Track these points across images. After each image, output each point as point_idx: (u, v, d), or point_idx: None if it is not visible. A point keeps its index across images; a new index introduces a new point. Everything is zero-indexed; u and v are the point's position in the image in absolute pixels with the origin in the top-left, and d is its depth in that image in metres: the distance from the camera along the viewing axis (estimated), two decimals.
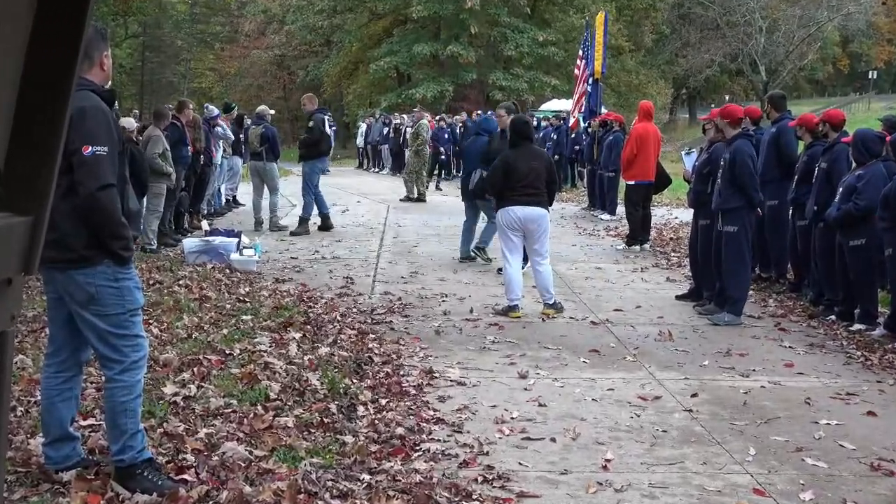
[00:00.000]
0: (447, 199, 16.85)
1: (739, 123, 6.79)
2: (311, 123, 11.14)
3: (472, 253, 9.22)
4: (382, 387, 4.72)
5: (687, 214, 11.65)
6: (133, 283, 3.24)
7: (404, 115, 20.44)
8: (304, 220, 11.21)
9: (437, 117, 21.48)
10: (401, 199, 15.66)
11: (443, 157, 19.91)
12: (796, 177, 7.47)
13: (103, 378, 3.39)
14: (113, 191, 3.15)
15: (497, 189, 6.94)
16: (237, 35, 44.82)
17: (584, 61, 15.99)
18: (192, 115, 10.63)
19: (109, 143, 3.15)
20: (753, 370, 5.39)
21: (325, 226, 11.37)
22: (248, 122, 15.27)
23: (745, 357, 5.72)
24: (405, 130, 19.92)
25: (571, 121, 16.90)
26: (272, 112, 12.41)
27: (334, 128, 26.86)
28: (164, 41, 43.67)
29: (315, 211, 11.33)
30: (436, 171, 19.90)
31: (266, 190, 11.57)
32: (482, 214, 9.12)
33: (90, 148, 3.10)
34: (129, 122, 9.03)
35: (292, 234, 10.98)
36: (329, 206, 15.15)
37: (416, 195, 15.77)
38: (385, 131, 23.73)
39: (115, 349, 3.22)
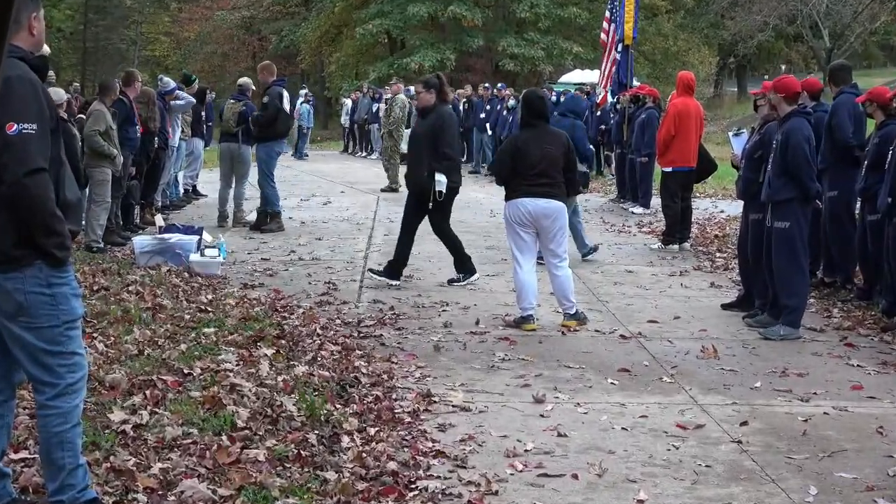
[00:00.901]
0: None
1: (796, 99, 6.78)
2: (265, 98, 11.19)
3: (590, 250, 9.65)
4: (371, 413, 4.73)
5: (735, 207, 11.67)
6: (70, 290, 3.23)
7: (409, 88, 20.39)
8: (274, 215, 11.21)
9: None
10: (382, 190, 15.76)
11: None
12: (865, 162, 7.47)
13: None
14: (44, 176, 3.13)
15: (503, 177, 6.94)
16: None
17: (612, 24, 16.00)
18: (140, 88, 10.64)
19: (39, 120, 3.13)
20: (815, 394, 5.39)
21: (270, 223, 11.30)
22: (211, 96, 15.30)
23: (804, 378, 5.72)
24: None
25: (600, 95, 16.88)
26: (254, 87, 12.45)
27: (312, 102, 26.89)
28: (111, 1, 43.70)
29: (255, 205, 11.30)
30: None
31: (234, 178, 11.59)
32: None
33: (16, 126, 3.08)
34: (58, 94, 9.03)
35: (262, 230, 11.00)
36: (309, 196, 15.13)
37: (397, 184, 15.87)
38: (374, 108, 23.73)
39: (48, 369, 3.22)
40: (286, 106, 11.18)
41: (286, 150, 12.09)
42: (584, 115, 9.61)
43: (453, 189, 8.15)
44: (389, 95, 16.89)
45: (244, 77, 13.23)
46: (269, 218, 11.20)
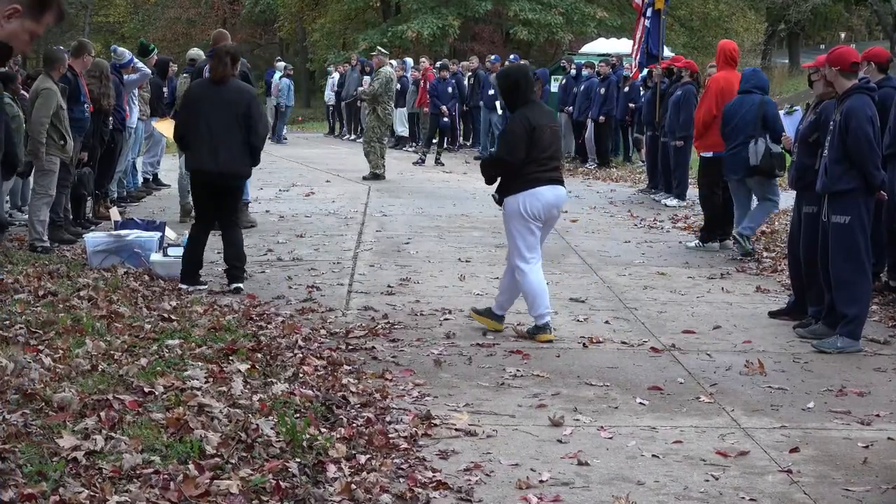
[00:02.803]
0: (450, 178, 16.87)
1: (854, 71, 6.79)
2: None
3: (743, 240, 9.81)
4: (362, 438, 4.74)
5: (787, 199, 11.65)
6: None
7: (392, 62, 20.43)
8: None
9: (438, 64, 21.51)
10: (364, 178, 15.81)
11: (445, 119, 19.97)
12: None
13: None
14: None
15: (516, 162, 6.83)
16: None
17: None
18: (91, 61, 10.66)
19: None
20: (877, 416, 5.40)
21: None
22: (173, 69, 15.30)
23: (865, 397, 5.74)
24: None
25: (633, 68, 16.86)
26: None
27: (290, 70, 26.84)
28: None
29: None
30: (435, 139, 19.98)
31: None
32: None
33: None
34: None
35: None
36: (289, 186, 15.05)
37: (381, 170, 15.92)
38: (365, 83, 23.76)
39: None
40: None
41: None
42: (768, 90, 9.79)
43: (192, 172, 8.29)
44: (372, 69, 16.89)
45: (193, 49, 13.20)
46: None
